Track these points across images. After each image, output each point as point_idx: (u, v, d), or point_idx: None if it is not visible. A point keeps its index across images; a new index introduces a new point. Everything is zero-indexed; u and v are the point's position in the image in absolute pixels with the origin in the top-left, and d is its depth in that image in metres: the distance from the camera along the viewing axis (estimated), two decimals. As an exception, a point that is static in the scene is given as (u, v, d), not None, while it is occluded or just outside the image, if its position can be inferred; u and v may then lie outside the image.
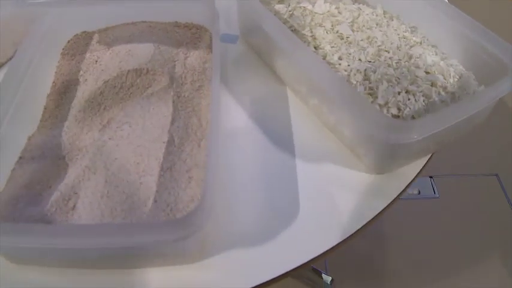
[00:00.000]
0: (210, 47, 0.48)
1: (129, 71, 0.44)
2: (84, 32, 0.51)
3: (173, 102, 0.43)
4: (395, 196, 0.41)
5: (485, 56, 0.44)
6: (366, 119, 0.38)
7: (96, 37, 0.50)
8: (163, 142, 0.40)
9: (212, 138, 0.35)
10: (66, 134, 0.42)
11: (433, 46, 0.49)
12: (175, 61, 0.46)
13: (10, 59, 0.52)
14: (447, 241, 0.95)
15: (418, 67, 0.45)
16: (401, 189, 0.42)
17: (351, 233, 0.38)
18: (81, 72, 0.46)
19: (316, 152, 0.44)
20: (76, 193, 0.38)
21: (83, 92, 0.44)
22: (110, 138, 0.40)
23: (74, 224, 0.34)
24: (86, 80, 0.45)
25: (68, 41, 0.51)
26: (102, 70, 0.45)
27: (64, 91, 0.46)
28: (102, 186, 0.38)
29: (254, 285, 0.35)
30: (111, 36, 0.50)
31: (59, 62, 0.49)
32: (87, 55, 0.48)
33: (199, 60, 0.47)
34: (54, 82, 0.47)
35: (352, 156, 0.44)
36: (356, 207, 0.40)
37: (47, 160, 0.40)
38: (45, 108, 0.45)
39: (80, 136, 0.41)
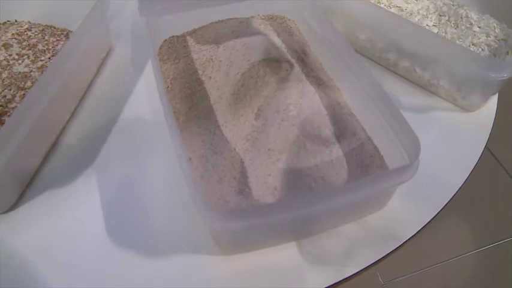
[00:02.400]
0: (302, 33, 0.53)
1: (259, 61, 0.47)
2: (172, 36, 0.52)
3: (309, 82, 0.47)
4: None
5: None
6: (466, 63, 0.46)
7: (189, 39, 0.51)
8: (325, 114, 0.44)
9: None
10: (226, 127, 0.43)
11: (466, 5, 0.59)
12: (289, 48, 0.50)
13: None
14: None
15: (471, 24, 0.55)
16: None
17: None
18: (200, 71, 0.48)
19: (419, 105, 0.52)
20: (270, 174, 0.40)
21: (218, 88, 0.46)
22: (271, 124, 0.43)
23: (330, 189, 0.37)
24: (211, 77, 0.47)
25: (160, 47, 0.51)
26: (227, 65, 0.47)
27: (190, 92, 0.47)
28: (289, 164, 0.41)
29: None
30: (206, 35, 0.51)
31: (162, 67, 0.49)
32: (194, 56, 0.49)
33: (302, 45, 0.52)
34: (168, 87, 0.48)
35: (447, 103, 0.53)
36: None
37: (219, 155, 0.42)
38: (175, 113, 0.46)
39: (240, 127, 0.43)
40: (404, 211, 0.42)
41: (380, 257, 0.39)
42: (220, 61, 0.47)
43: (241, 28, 0.51)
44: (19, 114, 0.39)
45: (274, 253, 0.39)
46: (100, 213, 0.41)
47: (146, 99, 0.50)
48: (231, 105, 0.44)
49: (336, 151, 0.41)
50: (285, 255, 0.39)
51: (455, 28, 0.54)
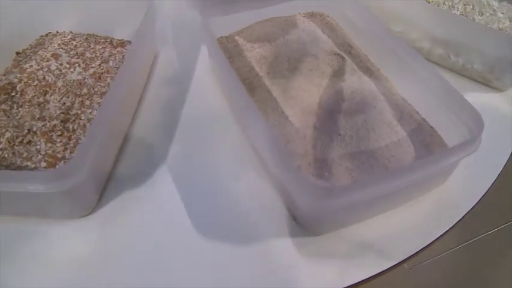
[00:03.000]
0: (342, 28, 0.56)
1: (313, 55, 0.49)
2: (221, 37, 0.54)
3: (362, 72, 0.49)
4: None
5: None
6: (498, 45, 0.50)
7: (238, 39, 0.53)
8: (383, 100, 0.47)
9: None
10: (294, 117, 0.45)
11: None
12: (335, 42, 0.53)
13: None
14: None
15: (494, 11, 0.60)
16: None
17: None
18: (257, 68, 0.50)
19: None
20: (343, 158, 0.43)
21: (278, 82, 0.48)
22: (337, 111, 0.45)
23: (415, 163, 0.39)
24: (269, 73, 0.49)
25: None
26: (283, 60, 0.49)
27: (251, 88, 0.48)
28: (361, 146, 0.43)
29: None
30: (255, 34, 0.53)
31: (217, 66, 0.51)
32: (248, 54, 0.51)
33: (346, 39, 0.54)
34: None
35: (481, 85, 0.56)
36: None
37: (292, 143, 0.44)
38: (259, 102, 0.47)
39: (306, 116, 0.46)
40: (457, 191, 0.45)
41: (431, 240, 0.41)
42: (276, 57, 0.50)
43: (288, 26, 0.53)
44: (97, 122, 0.40)
45: (350, 231, 0.41)
46: (178, 206, 0.43)
47: (204, 96, 0.52)
48: (294, 96, 0.46)
49: (400, 132, 0.44)
50: (359, 232, 0.41)
51: (481, 15, 0.58)
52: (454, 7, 0.59)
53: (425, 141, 0.44)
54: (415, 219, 0.42)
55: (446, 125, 0.44)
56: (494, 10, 0.59)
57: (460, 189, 0.45)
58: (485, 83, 0.56)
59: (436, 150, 0.44)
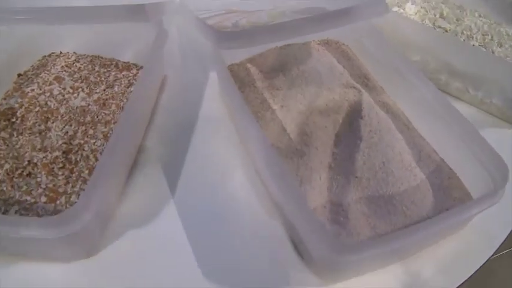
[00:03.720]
0: (358, 57, 0.54)
1: (329, 88, 0.47)
2: (232, 64, 0.52)
3: (380, 107, 0.47)
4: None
5: None
6: None
7: (250, 66, 0.51)
8: (401, 139, 0.45)
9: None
10: (308, 156, 0.43)
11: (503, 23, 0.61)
12: (351, 73, 0.51)
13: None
14: None
15: (506, 35, 0.58)
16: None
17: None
18: (270, 100, 0.48)
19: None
20: (360, 202, 0.41)
21: (291, 116, 0.46)
22: (356, 151, 0.43)
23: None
24: (283, 106, 0.47)
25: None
26: (297, 93, 0.47)
27: (264, 123, 0.46)
28: (378, 190, 0.41)
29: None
30: (268, 62, 0.51)
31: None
32: (260, 84, 0.49)
33: (362, 70, 0.52)
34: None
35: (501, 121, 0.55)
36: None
37: (307, 184, 0.42)
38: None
39: (321, 155, 0.43)
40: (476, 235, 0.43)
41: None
42: (289, 89, 0.47)
43: (302, 54, 0.51)
44: (105, 160, 0.38)
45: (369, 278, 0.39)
46: (184, 245, 0.41)
47: (212, 126, 0.51)
48: (309, 133, 0.44)
49: (419, 175, 0.42)
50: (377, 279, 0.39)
51: (500, 47, 0.56)
52: (472, 37, 0.57)
53: (444, 184, 0.42)
54: (432, 267, 0.40)
55: (465, 165, 0.42)
56: (514, 41, 0.57)
57: (477, 237, 0.43)
58: (505, 119, 0.54)
59: (455, 194, 0.42)
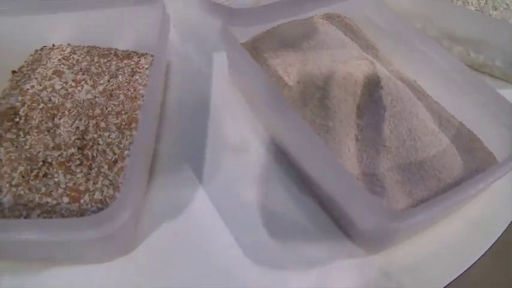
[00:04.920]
0: (361, 29, 0.54)
1: (343, 61, 0.47)
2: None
3: (395, 76, 0.48)
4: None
5: None
6: None
7: (259, 45, 0.50)
8: (422, 106, 0.45)
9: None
10: (333, 130, 0.43)
11: None
12: (360, 45, 0.51)
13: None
14: None
15: (508, 5, 0.59)
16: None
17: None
18: (285, 78, 0.47)
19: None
20: (392, 171, 0.41)
21: (309, 93, 0.46)
22: (381, 121, 0.44)
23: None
24: (299, 82, 0.46)
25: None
26: (312, 68, 0.47)
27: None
28: (409, 157, 0.42)
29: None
30: (276, 40, 0.50)
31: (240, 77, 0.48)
32: (271, 62, 0.48)
33: (369, 41, 0.53)
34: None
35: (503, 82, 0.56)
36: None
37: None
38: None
39: (346, 128, 0.43)
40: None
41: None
42: (304, 65, 0.47)
43: (308, 30, 0.51)
44: (136, 152, 0.36)
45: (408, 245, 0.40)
46: (219, 232, 0.40)
47: (226, 106, 0.50)
48: (329, 108, 0.44)
49: (444, 139, 0.43)
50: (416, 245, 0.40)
51: (495, 10, 0.57)
52: (468, 2, 0.58)
53: (467, 146, 0.43)
54: (467, 225, 0.41)
55: (483, 126, 0.43)
56: (507, 4, 0.58)
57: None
58: (508, 80, 0.55)
59: (479, 155, 0.43)
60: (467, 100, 0.44)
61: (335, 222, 0.41)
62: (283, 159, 0.45)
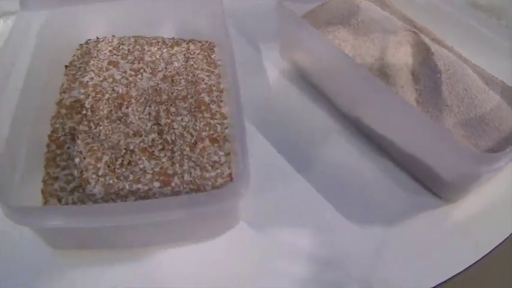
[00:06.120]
0: (393, 4, 0.57)
1: (391, 33, 0.50)
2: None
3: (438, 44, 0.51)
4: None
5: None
6: None
7: (306, 23, 0.52)
8: (467, 67, 0.49)
9: None
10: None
11: None
12: (399, 18, 0.54)
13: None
14: None
15: None
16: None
17: None
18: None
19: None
20: (456, 127, 0.45)
21: (367, 64, 0.48)
22: (439, 84, 0.47)
23: None
24: (354, 56, 0.49)
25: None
26: (365, 41, 0.49)
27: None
28: (470, 113, 0.46)
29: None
30: (322, 19, 0.53)
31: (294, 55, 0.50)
32: (327, 37, 0.51)
33: (404, 14, 0.56)
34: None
35: None
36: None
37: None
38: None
39: (405, 93, 0.47)
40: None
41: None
42: (356, 39, 0.49)
43: (350, 7, 0.53)
44: (240, 132, 0.38)
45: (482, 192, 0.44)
46: (308, 202, 0.43)
47: (283, 83, 0.52)
48: (391, 75, 0.47)
49: (494, 96, 0.47)
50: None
51: None
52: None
53: (512, 102, 0.47)
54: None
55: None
56: None
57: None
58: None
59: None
60: (504, 61, 0.48)
61: (412, 177, 0.44)
62: (349, 124, 0.48)
